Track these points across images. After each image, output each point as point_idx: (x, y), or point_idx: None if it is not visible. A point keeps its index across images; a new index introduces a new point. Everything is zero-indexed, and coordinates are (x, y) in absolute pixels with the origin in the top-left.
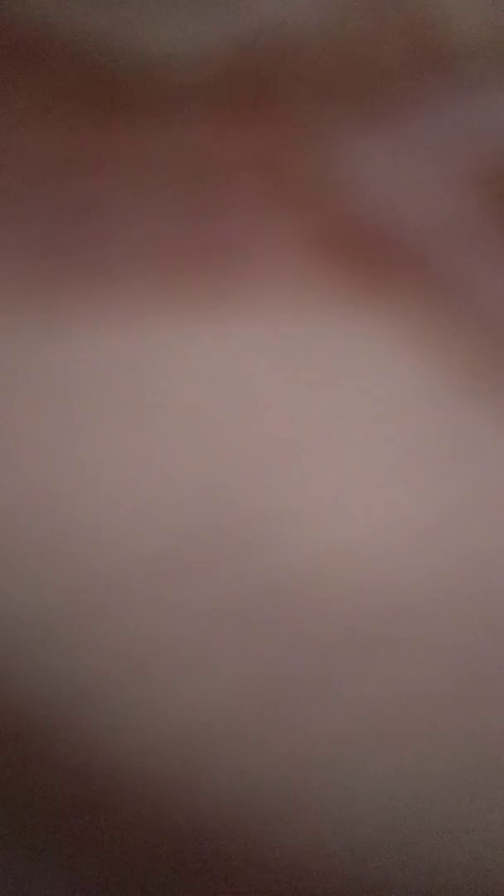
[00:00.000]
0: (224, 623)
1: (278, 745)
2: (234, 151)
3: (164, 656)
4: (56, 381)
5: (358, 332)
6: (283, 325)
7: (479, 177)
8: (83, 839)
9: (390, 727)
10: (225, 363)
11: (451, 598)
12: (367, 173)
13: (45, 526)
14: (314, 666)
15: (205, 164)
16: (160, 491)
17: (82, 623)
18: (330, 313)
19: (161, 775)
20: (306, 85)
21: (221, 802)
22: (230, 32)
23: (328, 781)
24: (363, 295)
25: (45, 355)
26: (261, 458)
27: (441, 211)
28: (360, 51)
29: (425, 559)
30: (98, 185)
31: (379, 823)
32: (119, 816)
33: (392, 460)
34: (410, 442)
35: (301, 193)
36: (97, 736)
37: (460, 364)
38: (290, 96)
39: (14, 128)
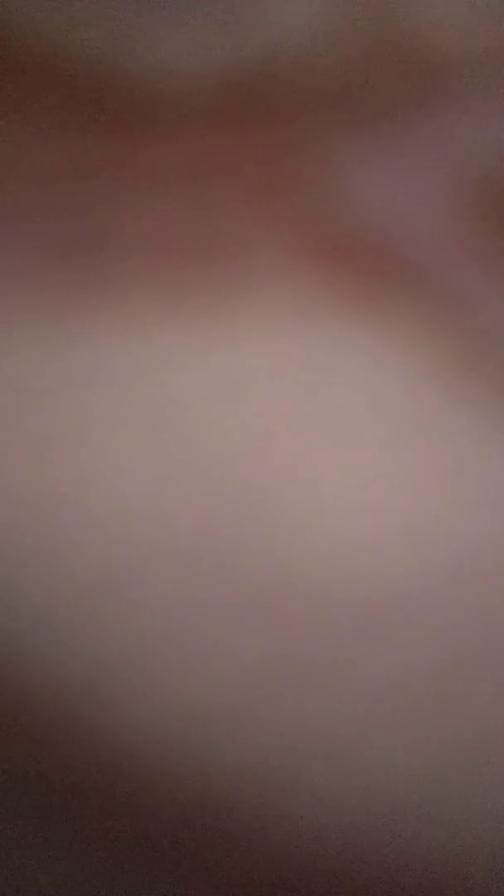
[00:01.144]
0: (226, 614)
1: (278, 725)
2: (234, 163)
3: (164, 649)
4: (60, 388)
5: (354, 340)
6: (281, 333)
7: (473, 190)
8: (88, 822)
9: (386, 712)
10: (224, 368)
11: (442, 590)
12: (364, 186)
13: (56, 524)
14: (313, 655)
15: (205, 175)
16: (164, 491)
17: (89, 615)
18: (327, 322)
19: (164, 759)
20: (304, 99)
21: (222, 786)
22: (230, 47)
23: (326, 765)
24: (359, 304)
25: (49, 362)
26: (260, 458)
27: (436, 223)
28: (358, 66)
29: (419, 553)
30: (100, 196)
31: (375, 803)
32: (123, 799)
33: (387, 462)
34: (404, 444)
35: (299, 205)
36: (102, 722)
37: (453, 371)
38: (289, 110)
39: (19, 140)
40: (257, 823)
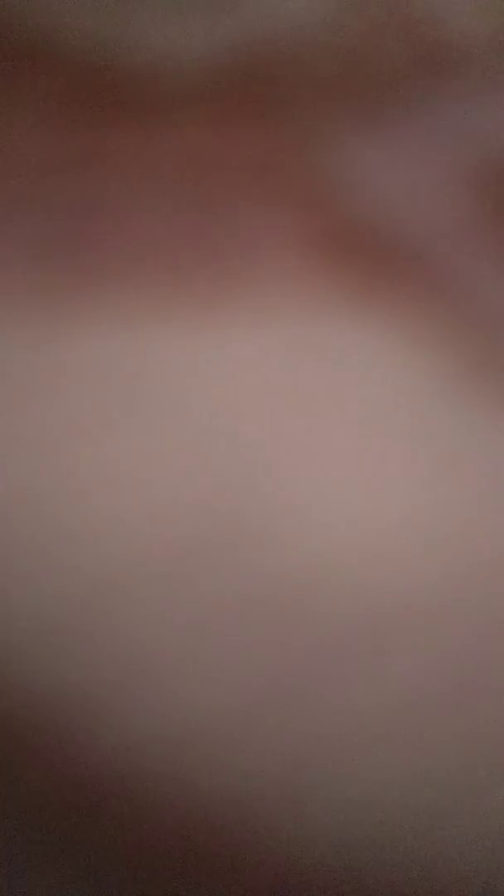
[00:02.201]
0: (223, 623)
1: (275, 741)
2: (235, 154)
3: (163, 655)
4: (59, 384)
5: (358, 334)
6: (283, 328)
7: (478, 179)
8: (81, 835)
9: (385, 724)
10: (226, 364)
11: (448, 599)
12: (367, 176)
13: (48, 525)
14: (311, 665)
15: (206, 166)
16: (162, 491)
17: (81, 622)
18: (330, 315)
19: (159, 771)
20: (307, 88)
21: (218, 799)
22: (231, 36)
23: (324, 778)
24: (363, 297)
25: (48, 359)
26: (262, 459)
27: (441, 213)
28: (360, 54)
29: (423, 559)
30: (100, 187)
31: (375, 818)
32: (117, 812)
33: (392, 462)
34: (410, 443)
35: (302, 196)
36: (96, 733)
37: (459, 365)
38: (291, 100)
39: (16, 131)
40: (258, 829)
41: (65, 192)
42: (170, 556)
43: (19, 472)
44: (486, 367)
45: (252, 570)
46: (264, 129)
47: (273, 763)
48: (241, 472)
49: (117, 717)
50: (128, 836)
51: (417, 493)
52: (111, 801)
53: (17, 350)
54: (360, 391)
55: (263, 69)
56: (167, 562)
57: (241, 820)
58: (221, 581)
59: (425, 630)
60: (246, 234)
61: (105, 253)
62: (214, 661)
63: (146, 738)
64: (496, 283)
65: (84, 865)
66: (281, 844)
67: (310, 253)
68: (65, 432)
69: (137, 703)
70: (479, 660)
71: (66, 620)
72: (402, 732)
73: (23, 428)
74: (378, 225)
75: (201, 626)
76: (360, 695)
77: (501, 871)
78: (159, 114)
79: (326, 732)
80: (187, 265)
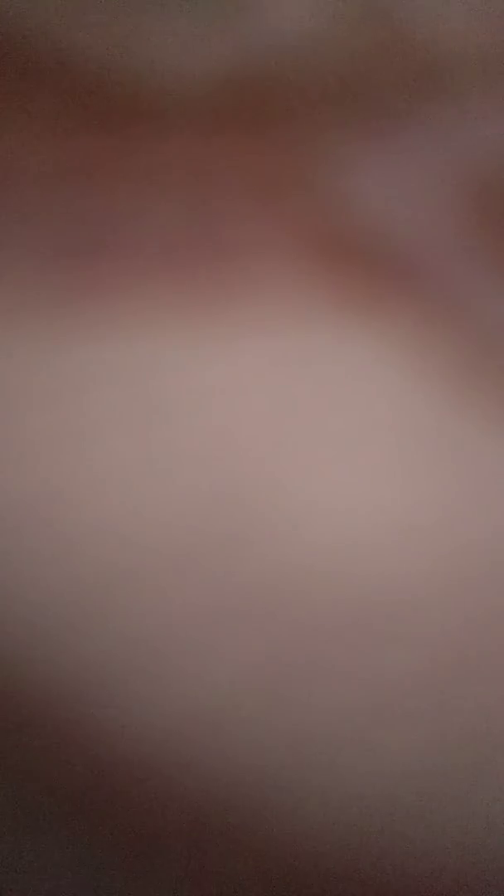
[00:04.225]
0: (226, 614)
1: (278, 726)
2: (235, 165)
3: (166, 649)
4: (64, 390)
5: (354, 340)
6: (281, 333)
7: (473, 190)
8: (87, 823)
9: (385, 714)
10: (226, 371)
11: (441, 592)
12: (364, 187)
13: (57, 524)
14: (311, 653)
15: (204, 176)
16: (162, 492)
17: (92, 615)
18: (327, 322)
19: (162, 762)
20: (305, 100)
21: (224, 781)
22: (231, 48)
23: (325, 767)
24: (359, 304)
25: (52, 365)
26: (261, 460)
27: (436, 223)
28: (357, 66)
29: (414, 554)
30: (102, 197)
31: (375, 805)
32: (122, 803)
33: (387, 463)
34: (402, 447)
35: (299, 205)
36: (101, 724)
37: (451, 373)
38: (289, 111)
39: (20, 141)
40: (256, 826)
41: (68, 201)
42: (168, 556)
43: (26, 476)
44: (478, 374)
45: (254, 562)
46: (264, 140)
47: (273, 750)
48: (242, 473)
49: (117, 711)
50: (127, 825)
51: (412, 498)
52: (111, 792)
53: (21, 356)
54: (355, 397)
55: (262, 83)
56: (165, 562)
57: (238, 811)
58: (220, 580)
59: (415, 615)
60: (244, 243)
61: (106, 259)
62: (212, 656)
63: (145, 731)
64: (489, 293)
65: (86, 851)
66: (279, 833)
67: (307, 262)
68: (69, 437)
69: (137, 699)
70: (470, 654)
71: (70, 617)
72: (396, 723)
73: (28, 433)
74: (374, 236)
75: (199, 624)
76: (359, 683)
77: (497, 860)
78: (161, 125)
79: (323, 724)
80: (187, 272)
